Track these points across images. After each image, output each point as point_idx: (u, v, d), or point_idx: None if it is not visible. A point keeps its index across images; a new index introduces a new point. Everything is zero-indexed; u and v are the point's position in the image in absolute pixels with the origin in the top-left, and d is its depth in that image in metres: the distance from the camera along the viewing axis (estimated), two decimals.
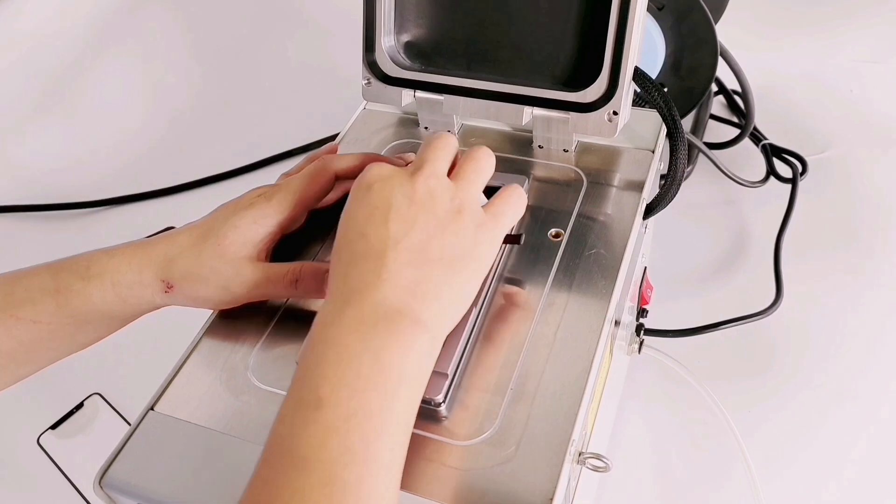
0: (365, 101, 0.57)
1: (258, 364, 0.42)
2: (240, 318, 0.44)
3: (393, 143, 0.54)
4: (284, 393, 0.34)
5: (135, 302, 0.42)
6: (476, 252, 0.38)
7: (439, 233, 0.37)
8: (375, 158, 0.46)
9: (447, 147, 0.41)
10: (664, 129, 0.52)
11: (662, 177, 0.52)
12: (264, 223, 0.43)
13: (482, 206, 0.40)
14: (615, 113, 0.46)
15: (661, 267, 0.67)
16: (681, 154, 0.47)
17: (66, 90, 0.97)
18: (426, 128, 0.54)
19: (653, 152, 0.51)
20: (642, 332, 0.62)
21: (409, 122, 0.55)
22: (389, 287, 0.35)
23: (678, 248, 0.72)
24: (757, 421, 0.60)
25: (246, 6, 1.06)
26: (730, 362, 0.65)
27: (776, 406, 0.61)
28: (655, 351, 0.63)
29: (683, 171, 0.48)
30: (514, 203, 0.42)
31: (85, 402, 0.68)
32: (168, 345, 0.69)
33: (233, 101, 0.98)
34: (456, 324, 0.38)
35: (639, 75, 0.47)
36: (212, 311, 0.45)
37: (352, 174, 0.44)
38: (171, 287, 0.42)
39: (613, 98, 0.46)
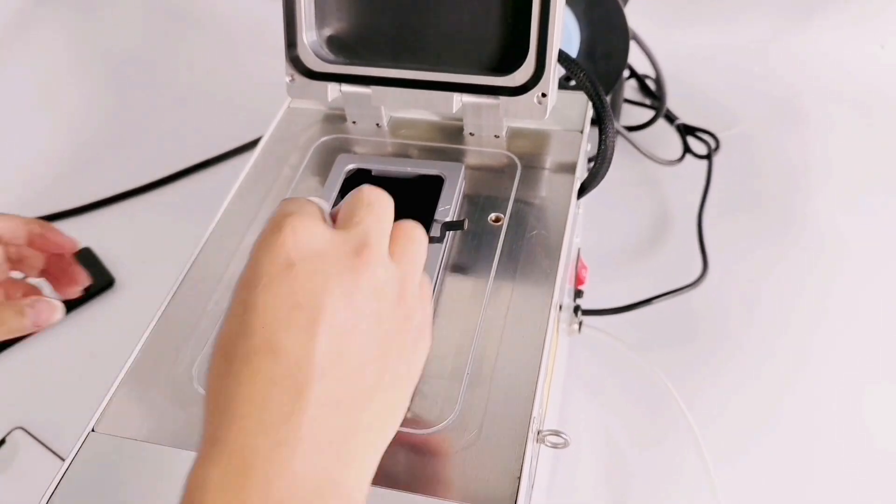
0: (289, 99, 0.56)
1: (204, 373, 0.40)
2: (178, 328, 0.42)
3: (322, 140, 0.53)
4: None
5: None
6: (414, 370, 0.31)
7: (381, 354, 0.28)
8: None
9: (388, 212, 0.31)
10: (590, 110, 0.53)
11: (589, 159, 0.53)
12: None
13: None
14: (544, 95, 0.47)
15: (590, 247, 0.68)
16: (610, 131, 0.48)
17: None
18: (354, 122, 0.53)
19: (581, 133, 0.52)
20: (580, 312, 0.63)
21: (335, 118, 0.55)
22: (311, 448, 0.24)
23: (605, 228, 0.74)
24: (696, 386, 0.62)
25: (140, 14, 1.02)
26: (664, 334, 0.67)
27: (711, 371, 0.63)
28: (595, 329, 0.64)
29: (613, 149, 0.49)
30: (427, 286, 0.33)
31: (6, 438, 0.64)
32: (93, 370, 0.66)
33: (141, 114, 0.94)
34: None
35: (563, 57, 0.48)
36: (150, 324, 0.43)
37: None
38: None
39: (542, 80, 0.46)
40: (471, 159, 0.50)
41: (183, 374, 0.40)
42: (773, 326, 0.66)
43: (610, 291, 0.68)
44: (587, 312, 0.66)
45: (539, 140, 0.52)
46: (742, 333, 0.66)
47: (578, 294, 0.63)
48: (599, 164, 0.49)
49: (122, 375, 0.41)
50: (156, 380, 0.40)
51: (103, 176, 0.84)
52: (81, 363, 0.68)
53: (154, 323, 0.43)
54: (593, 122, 0.51)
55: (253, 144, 0.85)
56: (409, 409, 0.38)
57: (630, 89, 0.90)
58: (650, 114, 0.83)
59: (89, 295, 0.72)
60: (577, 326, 0.63)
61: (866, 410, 0.60)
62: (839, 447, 0.58)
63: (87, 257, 0.75)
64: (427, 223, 0.44)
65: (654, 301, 0.66)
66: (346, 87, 0.50)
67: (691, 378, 0.62)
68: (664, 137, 0.82)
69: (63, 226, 0.80)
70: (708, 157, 0.79)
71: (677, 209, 0.77)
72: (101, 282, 0.73)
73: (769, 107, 0.86)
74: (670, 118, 0.83)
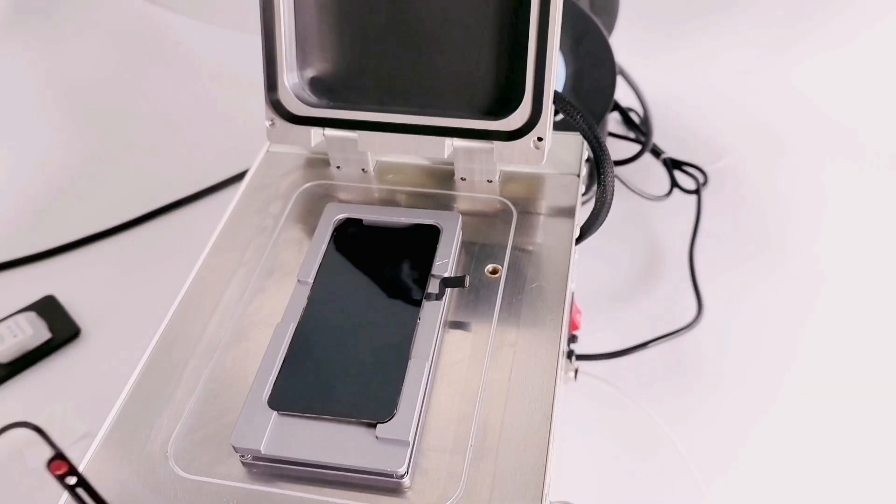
0: (268, 143, 0.53)
1: (181, 451, 0.36)
2: (152, 398, 0.39)
3: (304, 186, 0.50)
4: (216, 481, 0.29)
5: None
6: None
7: None
8: None
9: None
10: (584, 151, 0.51)
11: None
12: None
13: None
14: (540, 139, 0.45)
15: (580, 288, 0.66)
16: (609, 174, 0.46)
17: None
18: (338, 167, 0.51)
19: (578, 176, 0.49)
20: (574, 357, 0.61)
21: (318, 163, 0.52)
22: None
23: (595, 267, 0.72)
24: (692, 430, 0.60)
25: (108, 47, 0.98)
26: (658, 377, 0.64)
27: (708, 414, 0.61)
28: (590, 376, 0.62)
29: (613, 192, 0.47)
30: None
31: None
32: (58, 430, 0.61)
33: (108, 153, 0.90)
34: None
35: (558, 98, 0.46)
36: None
37: None
38: None
39: (539, 124, 0.44)
40: (463, 205, 0.48)
41: (158, 452, 0.36)
42: (772, 365, 0.64)
43: (602, 334, 0.65)
44: (581, 357, 0.63)
45: (533, 184, 0.49)
46: (740, 373, 0.64)
47: (573, 339, 0.61)
48: (599, 208, 0.47)
49: (90, 453, 0.37)
50: (128, 457, 0.36)
51: (67, 219, 0.80)
52: (45, 423, 0.63)
53: (126, 392, 0.39)
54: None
55: (226, 184, 0.82)
56: (408, 488, 0.34)
57: (613, 122, 0.89)
58: (635, 148, 0.81)
59: (51, 348, 0.68)
60: (573, 374, 0.60)
61: (870, 451, 0.58)
62: (846, 491, 0.56)
63: (50, 306, 0.71)
64: (423, 277, 0.41)
65: (648, 345, 0.64)
66: (331, 132, 0.47)
67: (686, 422, 0.60)
68: (651, 172, 0.81)
69: (24, 272, 0.77)
70: (697, 191, 0.77)
71: (668, 245, 0.75)
72: (66, 332, 0.69)
73: (753, 139, 0.85)
74: (656, 152, 0.81)
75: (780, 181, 0.81)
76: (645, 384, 0.63)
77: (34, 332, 0.67)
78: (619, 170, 0.77)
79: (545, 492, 0.34)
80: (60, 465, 0.19)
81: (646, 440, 0.60)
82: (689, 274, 0.71)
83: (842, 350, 0.65)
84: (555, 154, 0.50)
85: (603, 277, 0.72)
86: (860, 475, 0.57)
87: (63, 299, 0.72)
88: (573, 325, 0.60)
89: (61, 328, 0.69)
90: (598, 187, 0.46)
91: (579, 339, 0.61)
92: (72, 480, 0.20)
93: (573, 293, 0.60)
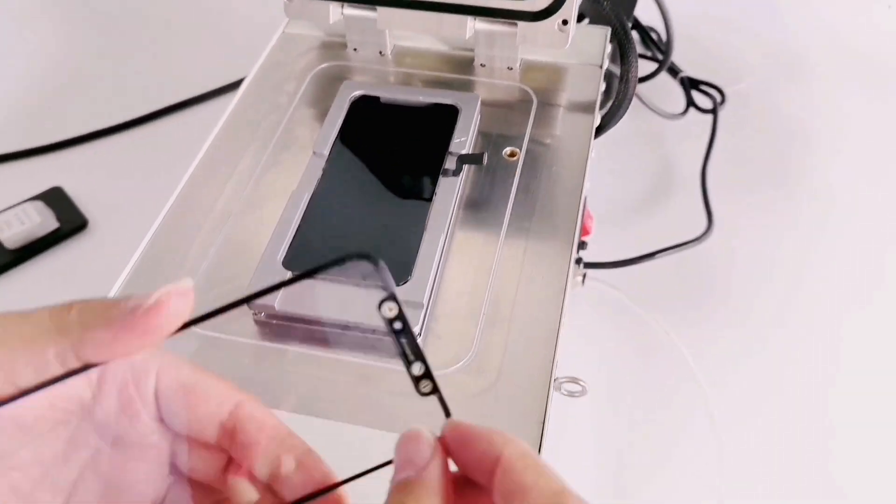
0: (283, 25, 0.52)
1: (195, 309, 0.36)
2: (163, 262, 0.39)
3: (320, 67, 0.49)
4: (230, 337, 0.29)
5: None
6: None
7: None
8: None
9: None
10: (608, 44, 0.50)
11: None
12: None
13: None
14: (565, 22, 0.44)
15: (591, 200, 0.65)
16: (633, 64, 0.45)
17: None
18: (355, 49, 0.50)
19: (600, 67, 0.48)
20: (582, 264, 0.61)
21: (334, 45, 0.51)
22: None
23: (607, 181, 0.71)
24: (698, 342, 0.60)
25: None
26: (666, 289, 0.64)
27: (714, 329, 0.61)
28: (598, 282, 0.62)
29: (635, 86, 0.46)
30: None
31: None
32: None
33: (120, 49, 0.88)
34: None
35: None
36: None
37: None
38: None
39: (564, 6, 0.43)
40: (482, 92, 0.47)
41: None
42: (778, 281, 0.64)
43: (611, 245, 0.65)
44: (589, 265, 0.63)
45: (554, 74, 0.48)
46: (746, 288, 0.64)
47: (582, 245, 0.61)
48: (620, 100, 0.46)
49: None
50: None
51: (77, 113, 0.79)
52: None
53: (139, 253, 0.39)
54: None
55: (238, 84, 0.81)
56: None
57: None
58: (651, 66, 0.80)
59: (58, 237, 0.68)
60: (580, 279, 0.60)
61: (875, 365, 0.59)
62: (848, 403, 0.57)
63: (57, 197, 0.70)
64: (441, 155, 0.41)
65: (656, 255, 0.64)
66: (349, 9, 0.46)
67: (695, 332, 0.60)
68: (667, 91, 0.79)
69: (32, 164, 0.76)
70: (713, 111, 0.76)
71: (681, 164, 0.74)
72: (73, 223, 0.69)
73: (778, 63, 0.83)
74: (674, 71, 0.79)
75: (799, 108, 0.79)
76: (651, 296, 0.63)
77: (42, 220, 0.67)
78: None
79: (555, 358, 0.34)
80: (392, 307, 0.20)
81: (652, 345, 0.60)
82: (700, 192, 0.70)
83: (849, 274, 0.65)
84: (577, 44, 0.48)
85: (613, 192, 0.72)
86: (859, 390, 0.58)
87: (70, 191, 0.71)
88: (584, 230, 0.60)
89: (69, 218, 0.69)
90: (620, 81, 0.45)
91: (588, 249, 0.61)
92: (398, 325, 0.21)
93: (586, 197, 0.59)
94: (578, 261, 0.60)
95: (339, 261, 0.20)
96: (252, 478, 0.25)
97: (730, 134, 0.76)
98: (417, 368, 0.22)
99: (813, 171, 0.73)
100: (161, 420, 0.25)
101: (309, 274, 0.21)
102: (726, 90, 0.78)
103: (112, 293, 0.38)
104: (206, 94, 0.80)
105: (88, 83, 0.84)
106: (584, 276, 0.60)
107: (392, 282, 0.20)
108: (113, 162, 0.75)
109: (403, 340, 0.21)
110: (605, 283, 0.61)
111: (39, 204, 0.68)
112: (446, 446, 0.22)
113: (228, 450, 0.25)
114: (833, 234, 0.68)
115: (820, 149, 0.76)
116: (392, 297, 0.20)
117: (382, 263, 0.20)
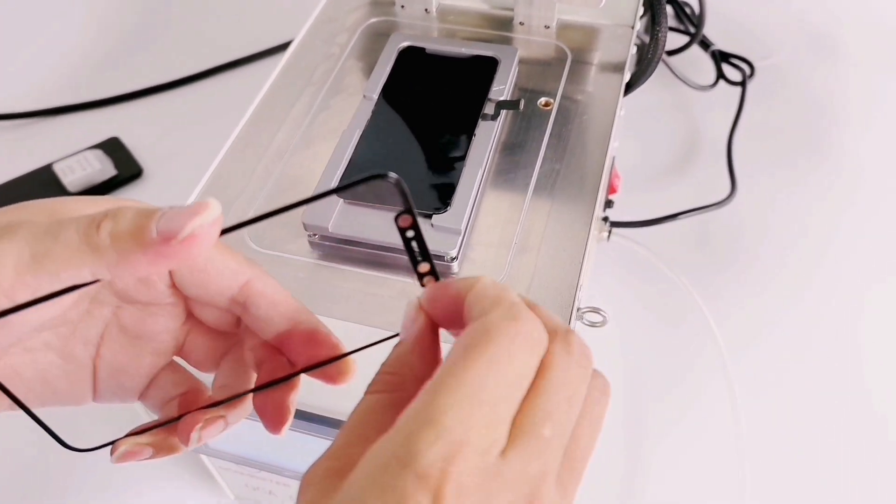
0: None
1: (254, 230, 0.40)
2: (225, 189, 0.43)
3: (369, 21, 0.52)
4: (287, 255, 0.32)
5: None
6: None
7: None
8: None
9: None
10: (640, 5, 0.53)
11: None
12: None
13: None
14: None
15: (619, 164, 0.68)
16: (663, 24, 0.48)
17: None
18: (402, 6, 0.53)
19: (632, 28, 0.51)
20: (608, 222, 0.64)
21: (382, 3, 0.54)
22: None
23: (634, 147, 0.74)
24: (720, 304, 0.63)
25: None
26: (691, 255, 0.67)
27: (737, 294, 0.64)
28: (624, 238, 0.65)
29: (664, 47, 0.49)
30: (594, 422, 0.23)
31: None
32: None
33: (178, 7, 0.92)
34: None
35: None
36: None
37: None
38: None
39: None
40: (521, 49, 0.50)
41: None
42: (803, 251, 0.67)
43: (635, 207, 0.68)
44: (615, 224, 0.66)
45: (588, 34, 0.51)
46: (771, 256, 0.66)
47: (609, 204, 0.64)
48: (651, 58, 0.49)
49: None
50: None
51: (135, 68, 0.83)
52: None
53: (204, 181, 0.43)
54: None
55: (283, 48, 0.85)
56: (456, 273, 0.38)
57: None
58: (683, 39, 0.82)
59: (116, 184, 0.72)
60: (605, 234, 0.63)
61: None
62: (870, 366, 0.59)
63: (115, 146, 0.75)
64: (480, 101, 0.44)
65: (680, 216, 0.67)
66: None
67: (717, 295, 0.63)
68: (698, 63, 0.82)
69: (91, 116, 0.81)
70: (742, 83, 0.78)
71: (708, 133, 0.77)
72: (130, 171, 0.73)
73: (810, 40, 0.85)
74: (705, 44, 0.82)
75: (829, 85, 0.81)
76: (673, 254, 0.66)
77: (101, 167, 0.71)
78: (666, 58, 0.78)
79: (579, 282, 0.37)
80: (407, 218, 0.23)
81: (675, 305, 0.63)
82: (725, 161, 0.73)
83: (874, 246, 0.67)
84: (611, 5, 0.51)
85: (640, 159, 0.74)
86: (883, 360, 0.60)
87: (127, 142, 0.76)
88: (611, 188, 0.63)
89: (125, 167, 0.74)
90: (650, 38, 0.48)
91: (614, 209, 0.64)
92: (410, 234, 0.24)
93: (614, 157, 0.62)
94: (605, 219, 0.63)
95: (363, 180, 0.21)
96: (265, 345, 0.28)
97: (758, 106, 0.78)
98: (424, 267, 0.24)
99: (841, 145, 0.75)
100: (175, 286, 0.27)
101: (335, 191, 0.22)
102: (756, 64, 0.80)
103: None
104: (258, 54, 0.83)
105: (148, 40, 0.89)
106: (610, 231, 0.63)
107: (409, 196, 0.22)
108: (167, 116, 0.80)
109: (414, 244, 0.23)
110: (630, 238, 0.64)
111: (99, 152, 0.73)
112: (426, 309, 0.24)
113: (241, 317, 0.28)
114: (860, 207, 0.70)
115: (849, 125, 0.78)
116: (408, 211, 0.22)
117: (400, 179, 0.21)
